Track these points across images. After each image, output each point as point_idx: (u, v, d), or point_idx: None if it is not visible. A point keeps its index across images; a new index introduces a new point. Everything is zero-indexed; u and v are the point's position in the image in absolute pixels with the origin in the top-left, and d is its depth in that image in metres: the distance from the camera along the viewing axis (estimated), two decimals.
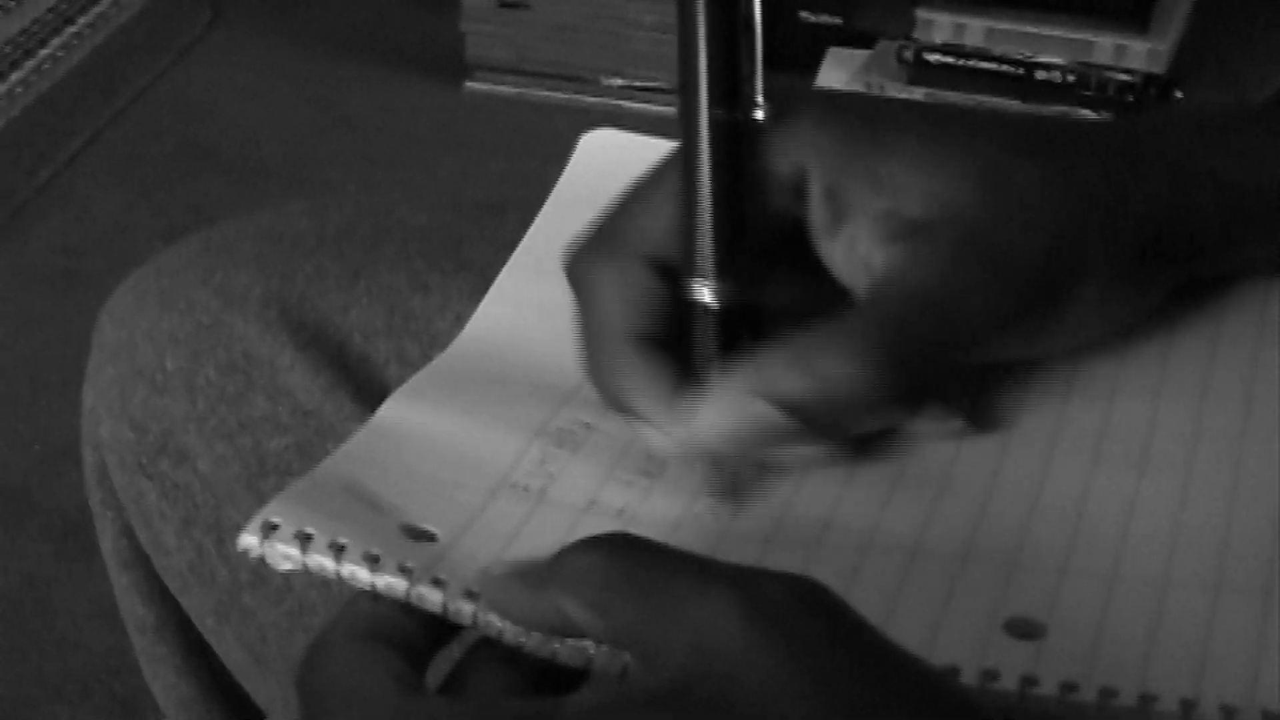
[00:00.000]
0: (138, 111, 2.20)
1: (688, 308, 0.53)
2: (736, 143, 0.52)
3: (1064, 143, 0.53)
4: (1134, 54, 1.95)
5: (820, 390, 0.49)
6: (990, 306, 0.51)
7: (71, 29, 2.17)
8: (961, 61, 1.98)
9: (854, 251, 0.52)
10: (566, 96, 2.19)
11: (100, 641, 1.39)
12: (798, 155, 0.52)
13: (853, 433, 0.52)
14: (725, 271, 0.52)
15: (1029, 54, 1.97)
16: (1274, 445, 0.52)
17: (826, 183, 0.52)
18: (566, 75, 2.20)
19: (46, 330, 1.74)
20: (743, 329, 0.53)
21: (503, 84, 2.22)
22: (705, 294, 0.52)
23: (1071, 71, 1.96)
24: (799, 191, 0.53)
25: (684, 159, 0.52)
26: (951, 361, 0.52)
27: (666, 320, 0.53)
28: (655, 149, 0.62)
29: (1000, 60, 1.98)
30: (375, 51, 2.31)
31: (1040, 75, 1.97)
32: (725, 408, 0.50)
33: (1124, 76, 1.95)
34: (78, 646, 1.41)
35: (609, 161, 0.61)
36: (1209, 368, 0.55)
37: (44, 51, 2.12)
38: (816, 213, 0.53)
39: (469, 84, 2.23)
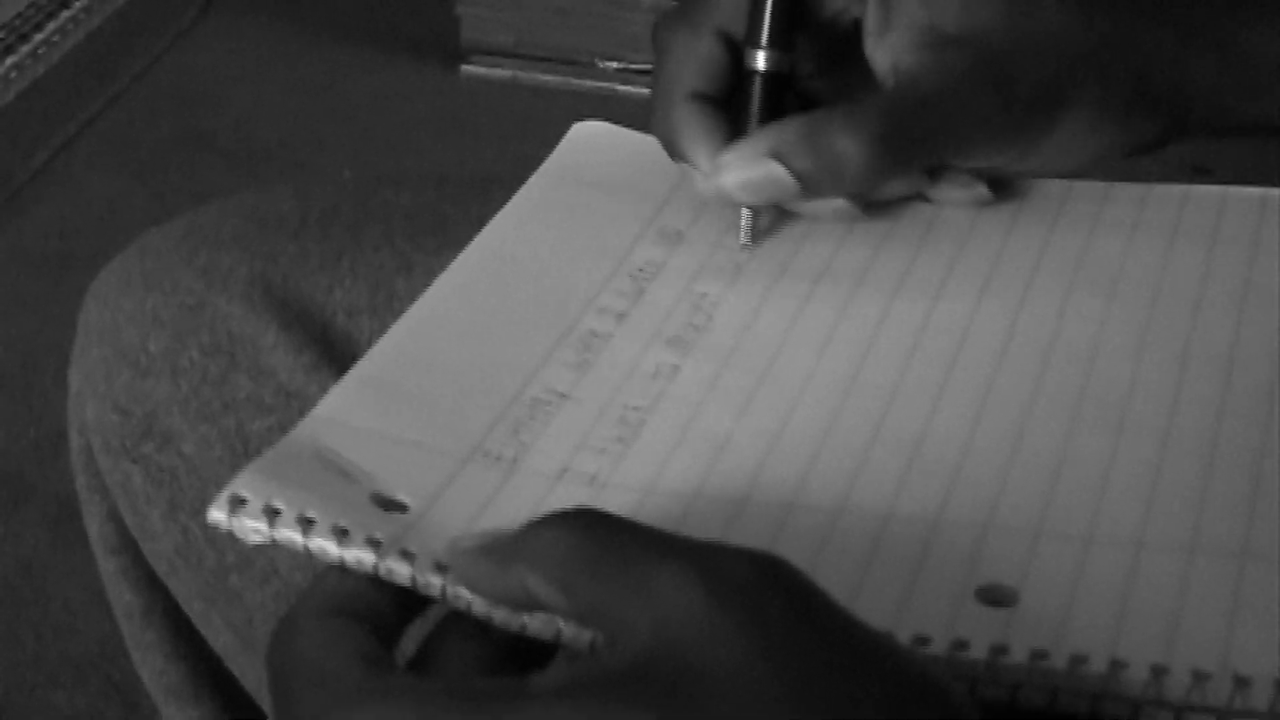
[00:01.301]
0: (133, 96, 2.19)
1: (745, 73, 0.62)
2: None
3: None
4: None
5: (822, 160, 0.58)
6: (986, 117, 0.59)
7: (67, 13, 2.16)
8: None
9: (892, 54, 0.61)
10: (562, 80, 2.18)
11: (96, 626, 1.39)
12: None
13: (878, 195, 0.62)
14: (778, 42, 0.61)
15: None
16: (1253, 407, 0.52)
17: None
18: (562, 59, 2.19)
19: (41, 314, 1.74)
20: (785, 101, 0.62)
21: (499, 67, 2.21)
22: (759, 60, 0.61)
23: None
24: None
25: None
26: (942, 158, 0.61)
27: (727, 84, 0.62)
28: (644, 143, 0.63)
29: None
30: (371, 35, 2.31)
31: None
32: (746, 163, 0.59)
33: None
34: (73, 632, 1.41)
35: (594, 152, 0.62)
36: (1190, 330, 0.55)
37: (39, 36, 2.12)
38: (871, 16, 0.61)
39: (465, 67, 2.22)
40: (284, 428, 0.64)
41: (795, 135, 0.58)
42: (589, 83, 2.18)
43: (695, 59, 0.62)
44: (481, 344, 0.57)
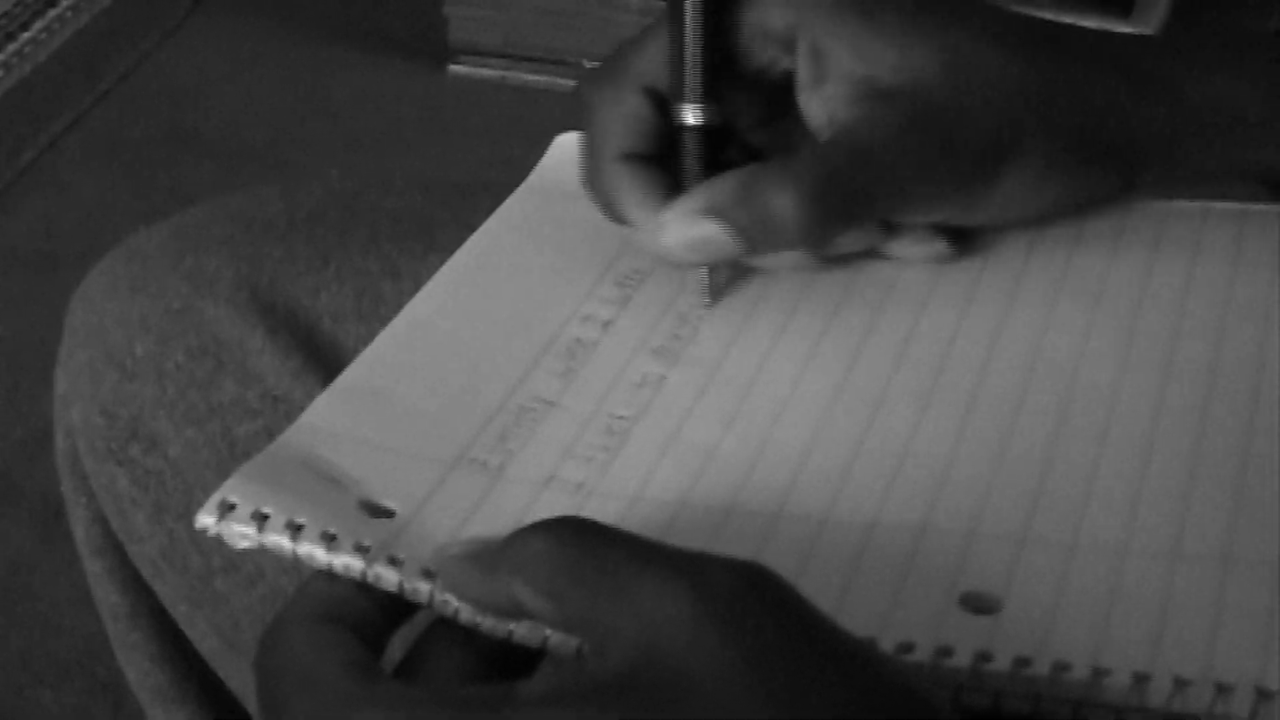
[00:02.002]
0: (120, 95, 2.19)
1: (675, 129, 0.60)
2: None
3: (1034, 38, 0.59)
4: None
5: (758, 217, 0.56)
6: (926, 171, 0.57)
7: (54, 11, 2.16)
8: None
9: (827, 107, 0.59)
10: (550, 80, 2.18)
11: (83, 625, 1.39)
12: (792, 14, 0.59)
13: (833, 251, 0.60)
14: (706, 96, 0.59)
15: None
16: (1235, 414, 0.52)
17: (814, 43, 0.58)
18: (550, 59, 2.19)
19: (27, 314, 1.74)
20: (723, 153, 0.60)
21: (486, 68, 2.21)
22: (687, 115, 0.59)
23: None
24: (790, 46, 0.59)
25: (669, 2, 0.60)
26: (881, 213, 0.59)
27: (658, 141, 0.60)
28: None
29: None
30: (358, 35, 2.30)
31: None
32: (685, 223, 0.57)
33: None
34: (60, 630, 1.41)
35: (577, 163, 0.62)
36: (1173, 340, 0.55)
37: (26, 34, 2.11)
38: (802, 68, 0.59)
39: (452, 68, 2.22)
40: (270, 432, 0.64)
41: (730, 192, 0.56)
42: (576, 83, 2.18)
43: (622, 119, 0.60)
44: (468, 352, 0.57)
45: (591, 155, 0.60)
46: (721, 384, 0.56)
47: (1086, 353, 0.55)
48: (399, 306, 0.60)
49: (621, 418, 0.54)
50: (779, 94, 0.60)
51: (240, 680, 0.71)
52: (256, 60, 2.27)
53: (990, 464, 0.51)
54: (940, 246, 0.60)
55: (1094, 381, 0.54)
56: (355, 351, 0.64)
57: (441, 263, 0.62)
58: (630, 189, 0.59)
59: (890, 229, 0.60)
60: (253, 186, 0.75)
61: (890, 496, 0.50)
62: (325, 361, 0.65)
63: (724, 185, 0.57)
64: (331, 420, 0.53)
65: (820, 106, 0.59)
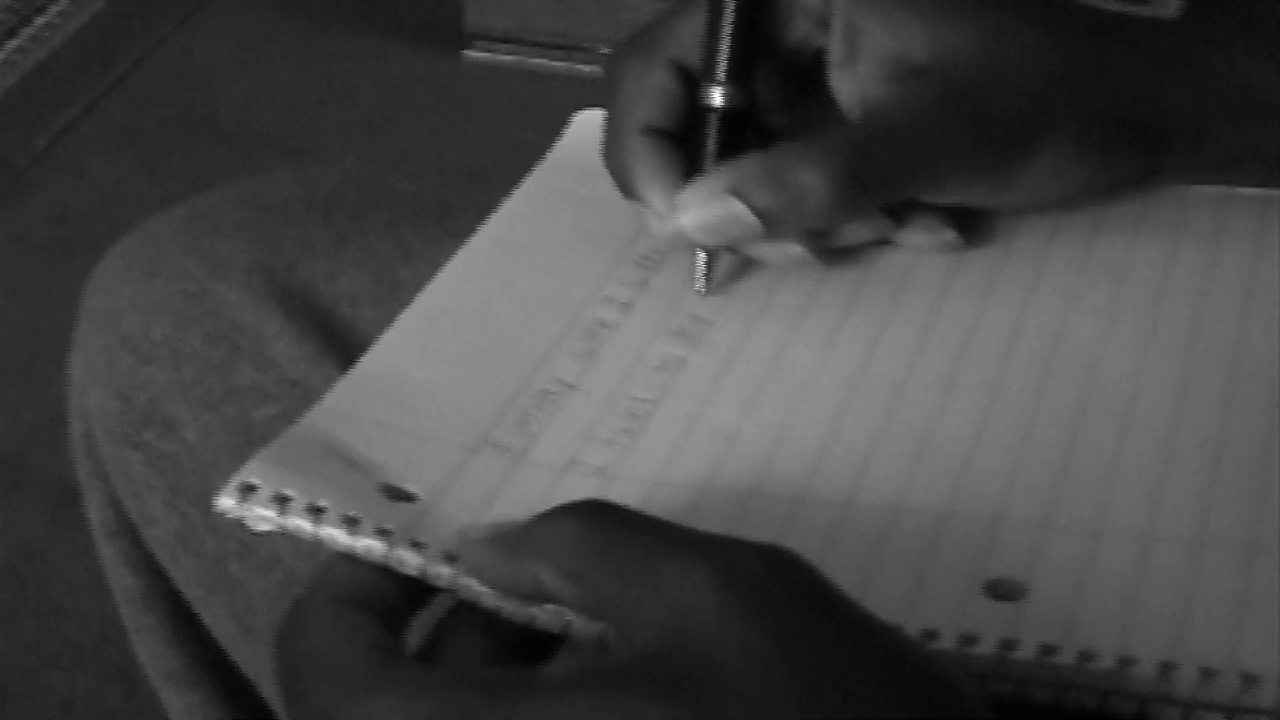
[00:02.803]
0: (136, 80, 2.19)
1: (700, 109, 0.59)
2: None
3: (1064, 17, 0.59)
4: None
5: (784, 196, 0.55)
6: (955, 152, 0.57)
7: None
8: None
9: (859, 86, 0.58)
10: (565, 65, 2.18)
11: (96, 609, 1.39)
12: None
13: (838, 241, 0.59)
14: (735, 78, 0.58)
15: None
16: (1259, 400, 0.52)
17: (848, 20, 0.58)
18: (565, 44, 2.19)
19: (42, 298, 1.74)
20: (743, 136, 0.59)
21: (501, 53, 2.21)
22: (715, 96, 0.58)
23: None
24: (823, 23, 0.59)
25: None
26: (910, 193, 0.58)
27: (682, 118, 0.59)
28: None
29: None
30: (374, 21, 2.30)
31: None
32: (704, 202, 0.56)
33: None
34: (73, 614, 1.41)
35: (597, 142, 0.61)
36: (1196, 325, 0.55)
37: (41, 19, 2.12)
38: (835, 46, 0.59)
39: (467, 53, 2.22)
40: (287, 416, 0.64)
41: (756, 171, 0.55)
42: (591, 68, 2.17)
43: (648, 92, 0.59)
44: (487, 334, 0.57)
45: (613, 127, 0.60)
46: (742, 367, 0.55)
47: (1109, 338, 0.55)
48: (416, 290, 0.60)
49: (643, 400, 0.54)
50: (806, 74, 0.60)
51: (254, 664, 0.71)
52: (272, 46, 2.27)
53: (1013, 450, 0.51)
54: (949, 235, 0.60)
55: (1117, 367, 0.54)
56: (372, 335, 0.64)
57: (458, 247, 0.62)
58: (648, 163, 0.58)
59: (899, 218, 0.60)
60: (268, 171, 0.75)
61: (913, 482, 0.50)
62: (341, 345, 0.65)
63: (748, 164, 0.56)
64: (352, 404, 0.53)
65: (852, 85, 0.58)
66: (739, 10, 0.58)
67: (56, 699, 1.36)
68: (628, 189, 0.59)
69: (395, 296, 0.65)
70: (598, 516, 0.42)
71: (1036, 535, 0.48)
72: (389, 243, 0.67)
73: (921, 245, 0.60)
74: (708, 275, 0.59)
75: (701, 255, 0.58)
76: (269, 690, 0.72)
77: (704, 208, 0.56)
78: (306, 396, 0.64)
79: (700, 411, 0.54)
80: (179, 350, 0.66)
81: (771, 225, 0.56)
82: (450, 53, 2.22)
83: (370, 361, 0.55)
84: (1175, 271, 0.58)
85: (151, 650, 0.76)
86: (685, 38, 0.59)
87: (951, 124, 0.56)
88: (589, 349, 0.56)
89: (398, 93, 2.16)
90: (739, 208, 0.55)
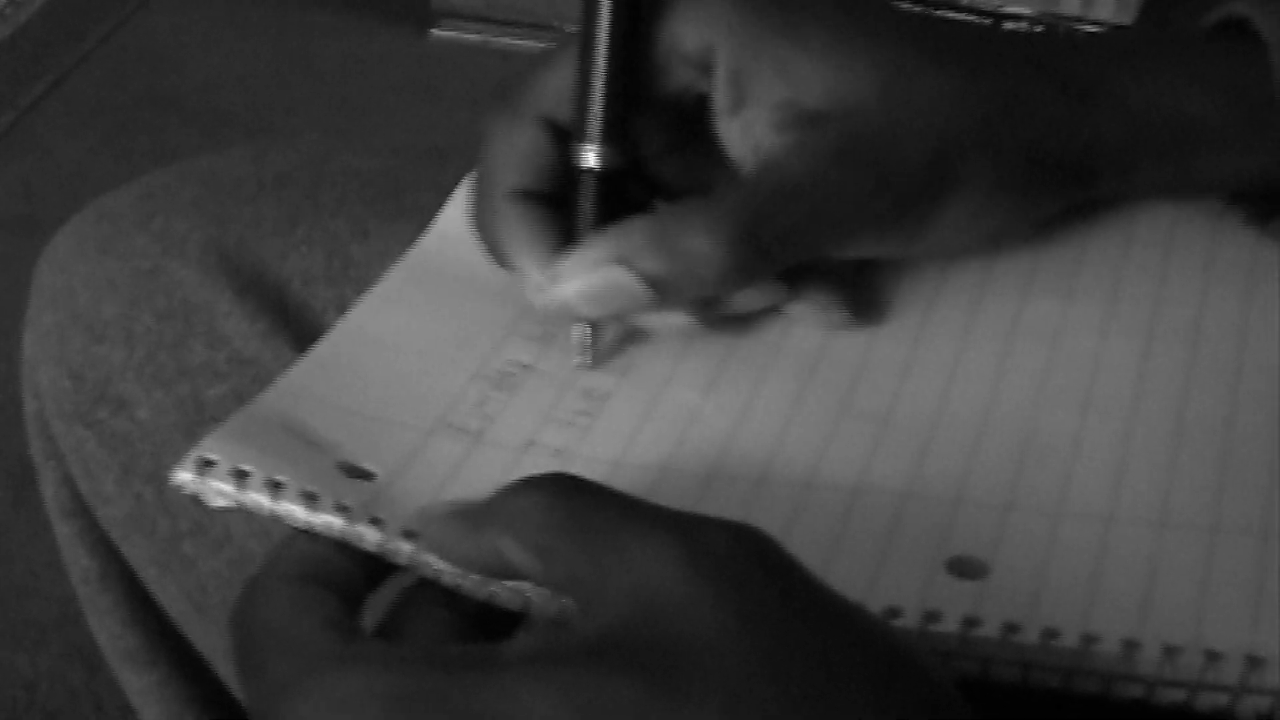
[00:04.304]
0: (101, 58, 2.18)
1: (574, 170, 0.54)
2: (636, 12, 0.53)
3: (972, 51, 0.54)
4: (1102, 4, 1.95)
5: (675, 264, 0.51)
6: (861, 205, 0.52)
7: None
8: (930, 10, 1.97)
9: (749, 135, 0.53)
10: (532, 44, 2.17)
11: (57, 589, 1.38)
12: (708, 32, 0.53)
13: (728, 310, 0.54)
14: (610, 138, 0.53)
15: (997, 3, 1.97)
16: (1219, 379, 0.52)
17: (732, 64, 0.53)
18: (532, 23, 2.18)
19: (6, 276, 1.72)
20: (624, 195, 0.54)
21: (468, 31, 2.20)
22: (589, 158, 0.53)
23: (1039, 21, 1.96)
24: (705, 68, 0.54)
25: (582, 24, 0.53)
26: (814, 253, 0.53)
27: (555, 178, 0.54)
28: None
29: (969, 10, 1.97)
30: None
31: (1008, 25, 1.96)
32: (587, 271, 0.52)
33: (1092, 27, 1.95)
34: (34, 594, 1.40)
35: None
36: (1156, 305, 0.55)
37: None
38: (720, 92, 0.54)
39: (434, 31, 2.21)
40: (239, 394, 0.64)
41: (644, 237, 0.51)
42: None
43: (516, 153, 0.54)
44: (443, 321, 0.56)
45: (481, 191, 0.55)
46: (702, 347, 0.55)
47: (1068, 317, 0.55)
48: (369, 269, 0.60)
49: (600, 382, 0.54)
50: (690, 122, 0.55)
51: (209, 643, 0.71)
52: (238, 24, 2.26)
53: (973, 430, 0.51)
54: (840, 315, 0.55)
55: (1077, 347, 0.54)
56: (324, 314, 0.64)
57: (412, 226, 0.61)
58: (519, 231, 0.54)
59: (796, 280, 0.55)
60: (224, 148, 0.75)
61: (874, 462, 0.50)
62: (294, 324, 0.64)
63: (635, 230, 0.51)
64: (308, 385, 0.53)
65: (741, 134, 0.54)
66: (610, 62, 0.53)
67: (19, 679, 1.35)
68: (500, 258, 0.55)
69: (348, 274, 0.65)
70: (564, 490, 0.42)
71: (998, 515, 0.48)
72: (342, 221, 0.66)
73: (811, 322, 0.56)
74: (592, 346, 0.54)
75: (584, 327, 0.54)
76: (224, 669, 0.72)
77: (587, 277, 0.52)
78: (258, 375, 0.63)
79: (660, 392, 0.54)
80: (131, 328, 0.65)
81: (663, 294, 0.52)
82: (418, 31, 2.21)
83: (324, 349, 0.55)
84: (1133, 251, 0.58)
85: (109, 631, 0.75)
86: (555, 92, 0.54)
87: (854, 176, 0.52)
88: (545, 331, 0.56)
89: (365, 71, 2.16)
90: (626, 277, 0.51)
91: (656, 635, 0.38)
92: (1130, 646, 0.43)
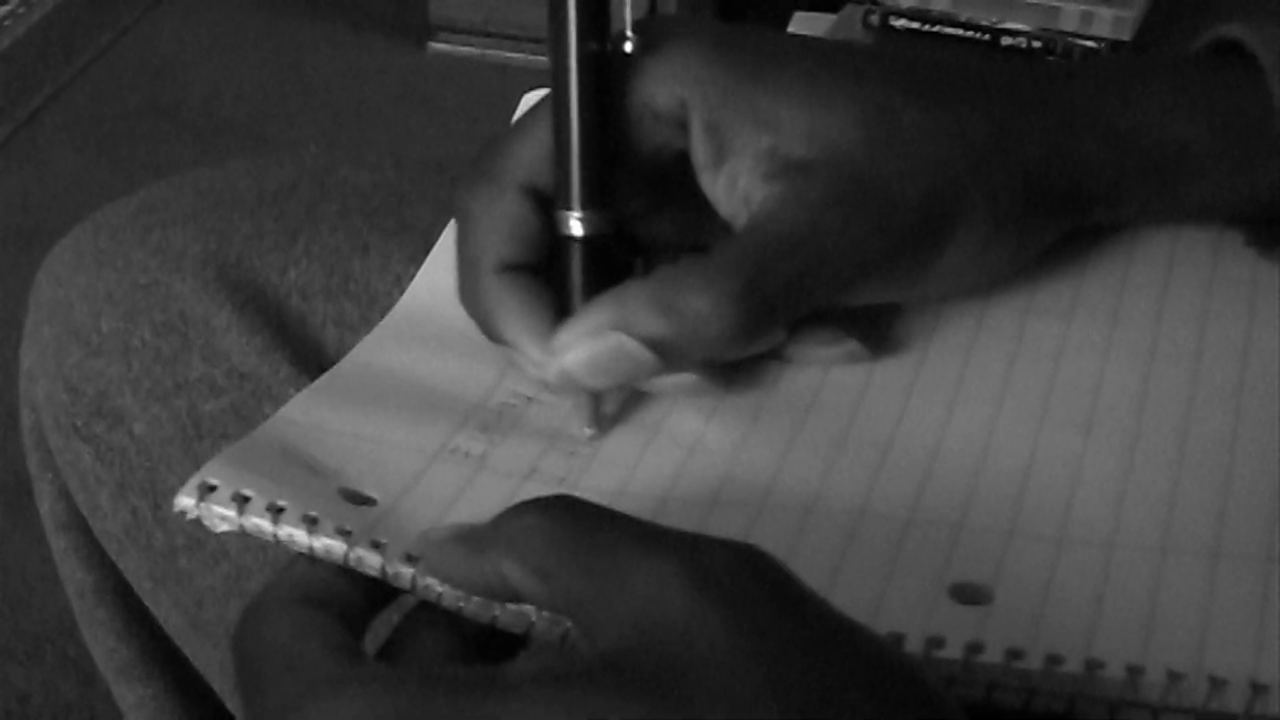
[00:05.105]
0: (100, 69, 2.18)
1: (559, 238, 0.53)
2: (605, 74, 0.52)
3: (953, 86, 0.53)
4: (1100, 20, 1.95)
5: (678, 327, 0.50)
6: (862, 251, 0.51)
7: None
8: (927, 27, 1.97)
9: (735, 187, 0.52)
10: (530, 58, 2.18)
11: (52, 602, 1.38)
12: (679, 87, 0.52)
13: (725, 360, 0.53)
14: (593, 202, 0.52)
15: (995, 20, 1.97)
16: (1221, 404, 0.51)
17: (708, 117, 0.52)
18: (530, 37, 2.18)
19: (4, 288, 1.73)
20: (613, 260, 0.53)
21: (467, 45, 2.21)
22: (574, 225, 0.52)
23: (1038, 38, 1.95)
24: (681, 124, 0.53)
25: (553, 91, 0.52)
26: (820, 302, 0.52)
27: (542, 248, 0.53)
28: None
29: (966, 26, 1.97)
30: (339, 11, 2.30)
31: (1006, 41, 1.96)
32: (588, 340, 0.51)
33: (1090, 43, 1.95)
34: (29, 607, 1.40)
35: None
36: (1157, 328, 0.55)
37: (5, 8, 2.10)
38: (698, 147, 0.53)
39: (433, 45, 2.22)
40: (236, 409, 0.63)
41: (644, 301, 0.50)
42: None
43: (499, 225, 0.53)
44: (446, 357, 0.56)
45: (466, 267, 0.54)
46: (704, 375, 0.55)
47: (1069, 341, 0.55)
48: (367, 283, 0.60)
49: (603, 411, 0.54)
50: (674, 179, 0.54)
51: (204, 658, 0.71)
52: (237, 35, 2.26)
53: (975, 455, 0.51)
54: (851, 347, 0.55)
55: (1077, 371, 0.53)
56: (323, 328, 0.64)
57: (411, 240, 0.61)
58: (510, 305, 0.52)
59: (793, 329, 0.54)
60: (223, 161, 0.75)
61: (876, 488, 0.50)
62: (293, 339, 0.64)
63: (634, 294, 0.50)
64: (311, 414, 0.53)
65: (727, 188, 0.53)
66: (585, 127, 0.52)
67: (13, 691, 1.35)
68: (493, 335, 0.53)
69: (347, 289, 0.64)
70: (566, 512, 0.42)
71: (1000, 541, 0.47)
72: (341, 235, 0.66)
73: (819, 360, 0.55)
74: (596, 416, 0.53)
75: (587, 396, 0.53)
76: (219, 684, 0.72)
77: (588, 346, 0.51)
78: (256, 390, 0.63)
79: (661, 421, 0.53)
80: (128, 342, 0.65)
81: (667, 357, 0.50)
82: (416, 44, 2.22)
83: (329, 378, 0.55)
84: (1133, 271, 0.57)
85: (103, 644, 0.75)
86: (533, 159, 0.53)
87: (851, 220, 0.51)
88: None
89: (363, 83, 2.16)
90: (630, 343, 0.50)
91: (660, 656, 0.38)
92: (1134, 672, 0.42)
